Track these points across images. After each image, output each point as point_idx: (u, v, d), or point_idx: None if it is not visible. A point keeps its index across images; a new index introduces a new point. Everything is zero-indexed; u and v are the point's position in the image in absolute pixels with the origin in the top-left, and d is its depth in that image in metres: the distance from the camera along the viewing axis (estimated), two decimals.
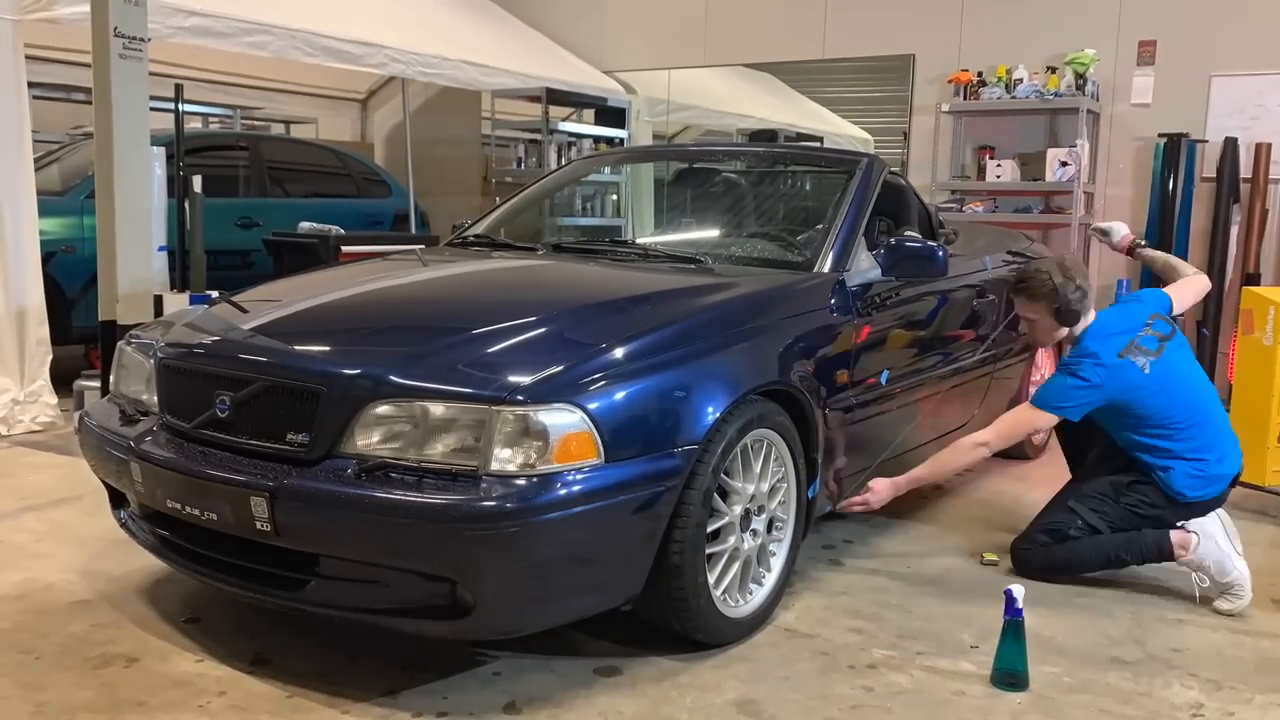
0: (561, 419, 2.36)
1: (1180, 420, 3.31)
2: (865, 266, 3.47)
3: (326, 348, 2.74)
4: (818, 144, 8.13)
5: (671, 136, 8.96)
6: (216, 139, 7.50)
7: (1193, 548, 3.22)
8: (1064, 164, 6.62)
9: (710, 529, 2.68)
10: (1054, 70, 6.79)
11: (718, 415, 2.62)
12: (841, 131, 8.41)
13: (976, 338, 4.19)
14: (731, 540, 2.78)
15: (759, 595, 2.92)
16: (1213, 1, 6.45)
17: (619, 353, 2.58)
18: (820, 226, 3.62)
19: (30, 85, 5.05)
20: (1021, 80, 6.84)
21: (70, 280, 5.70)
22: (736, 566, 2.81)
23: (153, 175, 4.86)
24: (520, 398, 2.36)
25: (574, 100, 8.19)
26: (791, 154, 4.96)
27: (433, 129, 8.99)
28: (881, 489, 3.37)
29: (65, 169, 6.22)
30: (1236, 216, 6.47)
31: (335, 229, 6.14)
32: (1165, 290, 3.62)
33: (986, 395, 4.31)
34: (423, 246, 5.26)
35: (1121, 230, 3.94)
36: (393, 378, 2.44)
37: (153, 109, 4.72)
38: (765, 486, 2.89)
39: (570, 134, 8.11)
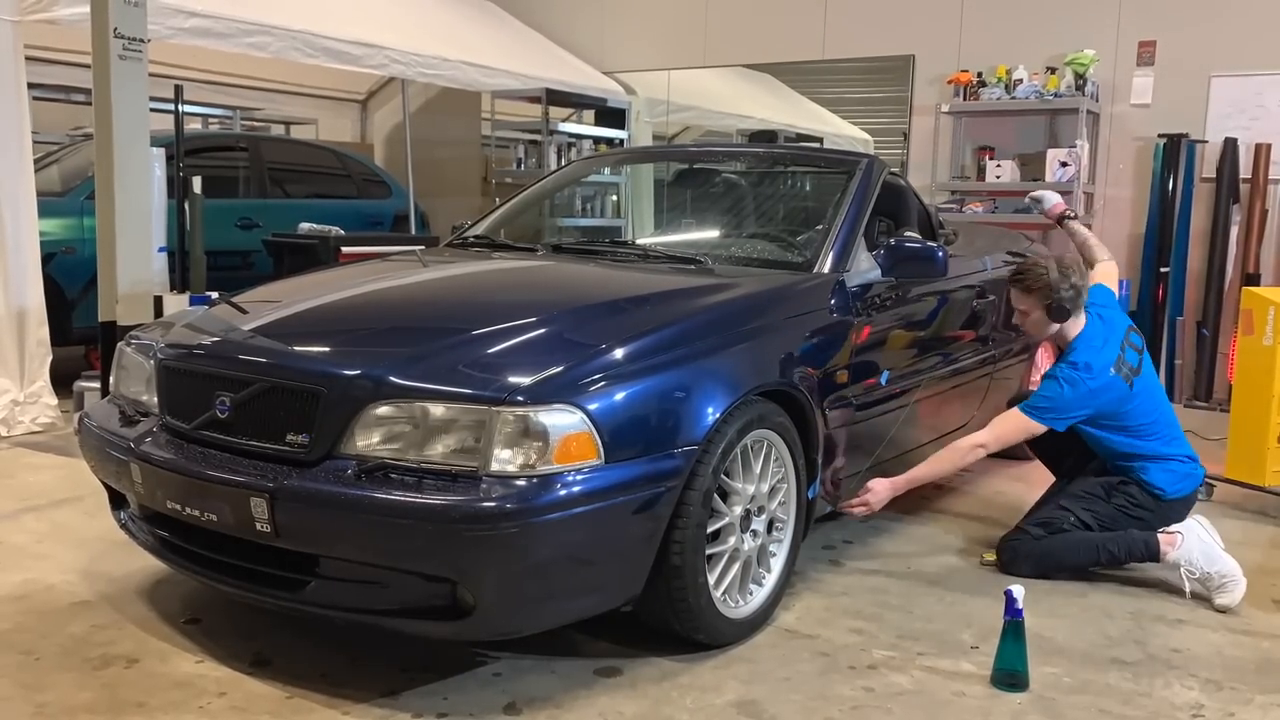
0: (561, 420, 2.36)
1: (1154, 424, 3.46)
2: (865, 267, 3.47)
3: (326, 348, 2.74)
4: (817, 145, 8.13)
5: (671, 137, 8.96)
6: (216, 140, 7.50)
7: (1178, 545, 3.28)
8: (1064, 164, 6.62)
9: (710, 529, 2.68)
10: (1054, 71, 6.80)
11: (718, 416, 2.62)
12: (841, 132, 8.41)
13: (976, 338, 4.19)
14: (731, 541, 2.78)
15: (759, 596, 2.92)
16: (1212, 1, 6.45)
17: (619, 353, 2.58)
18: (820, 227, 3.62)
19: (30, 86, 5.05)
20: (1021, 81, 6.84)
21: (70, 281, 5.70)
22: (737, 567, 2.81)
23: (153, 176, 4.86)
24: (520, 398, 2.36)
25: (574, 101, 8.19)
26: (791, 155, 4.96)
27: (433, 130, 9.00)
28: (880, 490, 3.38)
29: (65, 170, 6.22)
30: (1236, 217, 6.47)
31: (335, 230, 6.14)
32: (1099, 281, 3.73)
33: (986, 395, 4.31)
34: (423, 247, 5.26)
35: (1053, 199, 4.13)
36: (393, 378, 2.44)
37: (153, 110, 4.72)
38: (765, 487, 2.89)
39: (570, 135, 8.11)
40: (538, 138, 7.90)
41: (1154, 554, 3.31)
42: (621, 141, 8.37)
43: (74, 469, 4.22)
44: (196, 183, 5.31)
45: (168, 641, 2.78)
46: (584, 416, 2.39)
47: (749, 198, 4.35)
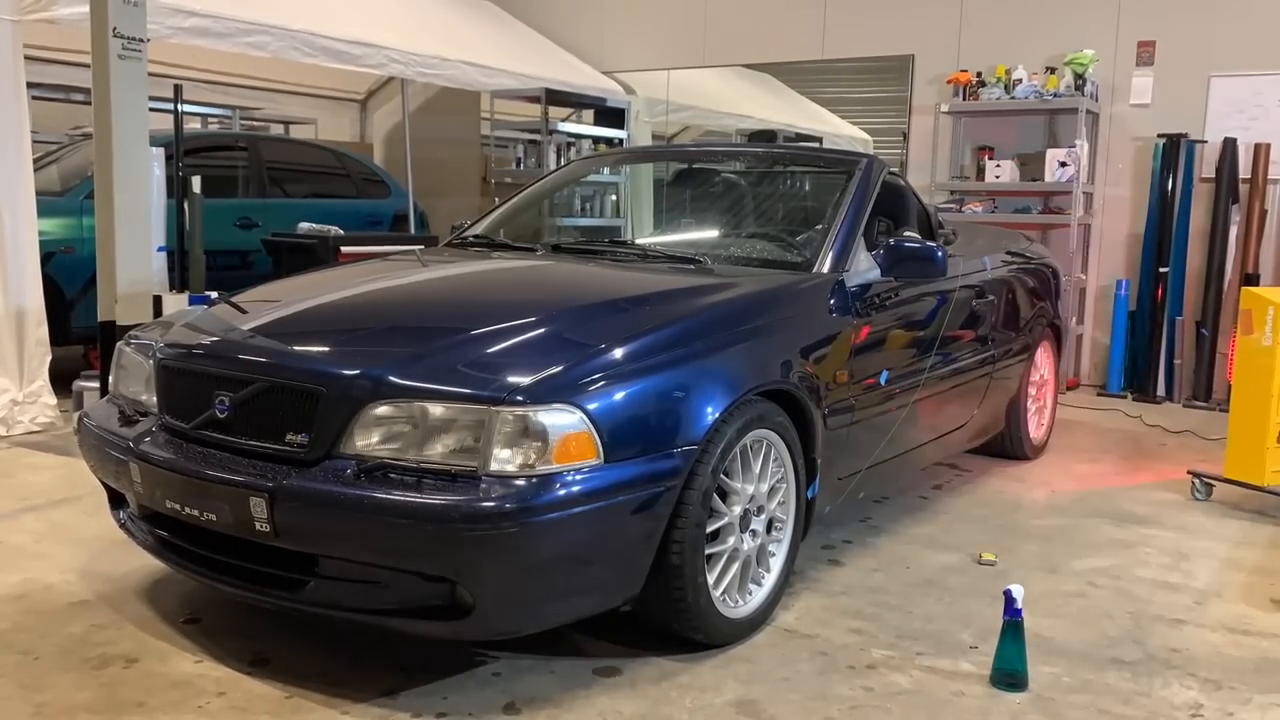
0: (561, 419, 2.36)
1: None
2: (864, 267, 3.47)
3: (326, 348, 2.74)
4: (817, 144, 8.14)
5: (671, 137, 8.96)
6: (216, 139, 7.50)
7: None
8: (1063, 164, 6.62)
9: (710, 529, 2.68)
10: (1053, 71, 6.80)
11: (717, 416, 2.62)
12: (841, 132, 8.41)
13: (976, 338, 4.19)
14: (731, 540, 2.78)
15: (758, 595, 2.92)
16: (1212, 1, 6.45)
17: (618, 353, 2.58)
18: (819, 227, 3.62)
19: (30, 86, 5.05)
20: (1021, 80, 6.84)
21: (69, 281, 5.70)
22: (736, 567, 2.81)
23: (152, 175, 4.86)
24: (519, 398, 2.36)
25: (573, 101, 8.20)
26: (791, 154, 4.96)
27: (432, 129, 9.00)
28: None
29: (64, 169, 6.22)
30: (1235, 216, 6.47)
31: (334, 229, 6.14)
32: None
33: (986, 395, 4.31)
34: (422, 247, 5.26)
35: None
36: (392, 378, 2.44)
37: (152, 109, 4.72)
38: (764, 487, 2.89)
39: (569, 134, 8.11)
40: (537, 137, 7.90)
41: None
42: (621, 141, 8.37)
43: (73, 469, 4.22)
44: (196, 182, 5.31)
45: (167, 641, 2.78)
46: (583, 416, 2.39)
47: (748, 198, 4.35)
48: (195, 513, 2.54)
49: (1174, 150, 6.49)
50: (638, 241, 4.06)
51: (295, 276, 3.77)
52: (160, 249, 5.10)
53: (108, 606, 2.99)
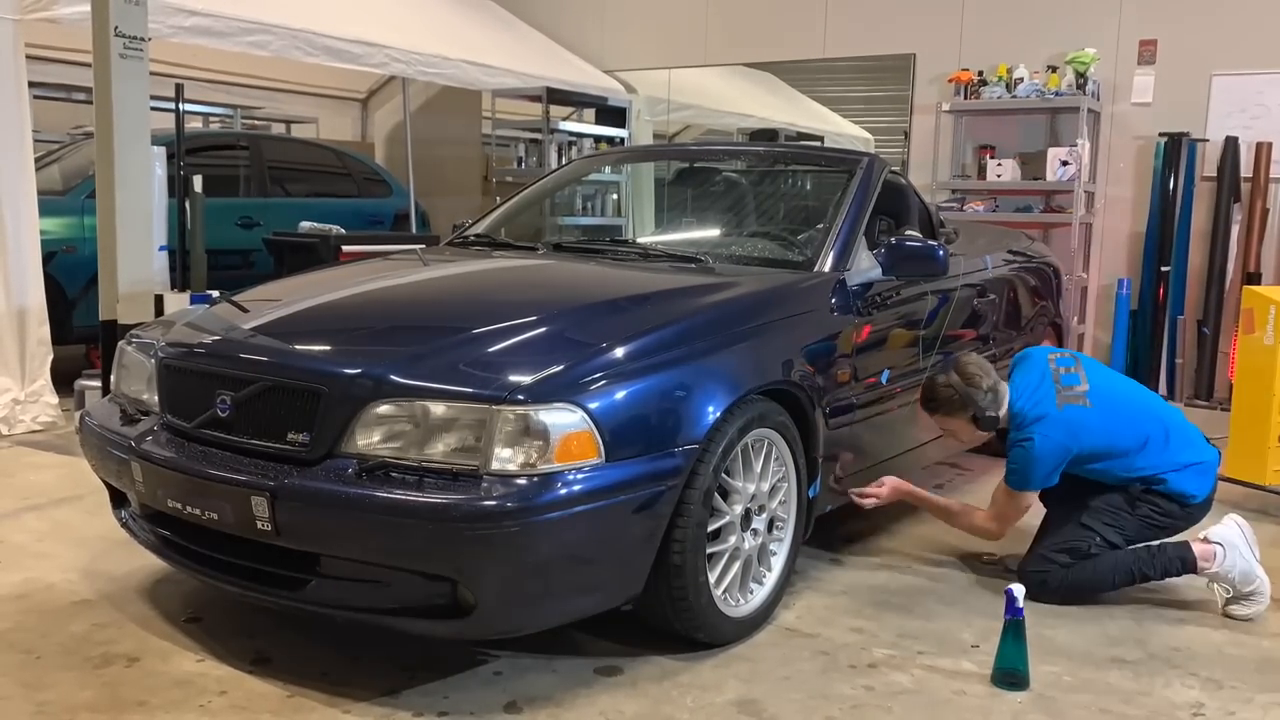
0: (562, 418, 2.36)
1: (1149, 431, 3.23)
2: (866, 266, 3.47)
3: (327, 347, 2.74)
4: (818, 143, 8.13)
5: (672, 136, 8.96)
6: (217, 139, 7.51)
7: (1217, 561, 3.12)
8: (1064, 163, 6.61)
9: (711, 528, 2.68)
10: (1054, 69, 6.79)
11: (718, 415, 2.62)
12: (842, 131, 8.41)
13: (977, 337, 4.19)
14: (732, 540, 2.78)
15: (759, 595, 2.92)
16: (1213, 1, 6.44)
17: (619, 352, 2.58)
18: (821, 226, 3.62)
19: (31, 85, 5.05)
20: (1022, 79, 6.83)
21: (71, 280, 5.70)
22: (737, 566, 2.81)
23: (153, 175, 4.86)
24: (521, 397, 2.36)
25: (574, 100, 8.19)
26: (792, 154, 4.96)
27: (433, 129, 8.99)
28: (893, 487, 3.38)
29: (66, 169, 6.22)
30: (1237, 216, 6.47)
31: (336, 229, 6.14)
32: None
33: None
34: (423, 246, 5.26)
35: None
36: (393, 377, 2.44)
37: (153, 109, 4.72)
38: (766, 486, 2.89)
39: (570, 133, 8.11)
40: (538, 136, 7.90)
41: (1190, 569, 3.16)
42: (622, 140, 8.37)
43: (75, 468, 4.22)
44: (197, 181, 5.30)
45: (168, 640, 2.78)
46: (584, 415, 2.39)
47: (750, 197, 4.35)
48: (197, 512, 2.55)
49: (1175, 149, 6.48)
50: (639, 241, 4.07)
51: (297, 276, 3.77)
52: (162, 248, 5.10)
53: (109, 605, 3.00)
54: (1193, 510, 3.27)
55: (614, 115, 8.46)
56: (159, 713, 2.42)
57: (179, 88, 5.41)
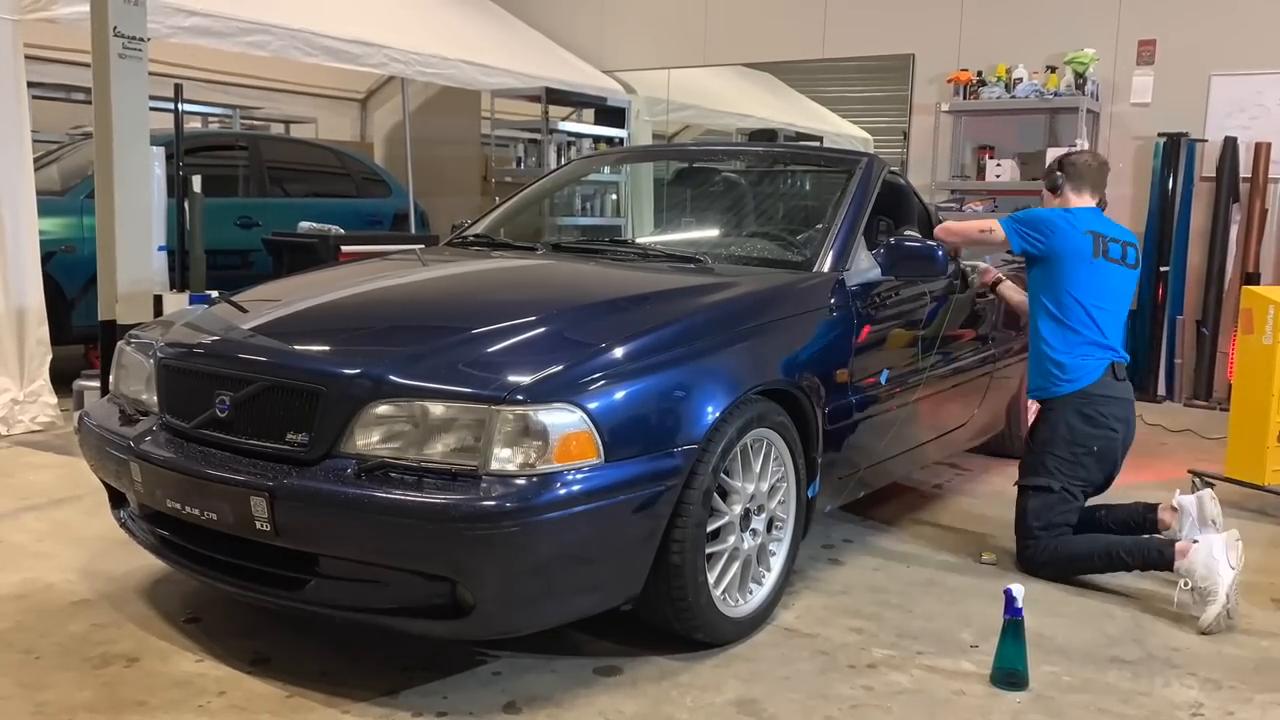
0: (561, 419, 2.36)
1: (1082, 315, 3.47)
2: (865, 266, 3.47)
3: (326, 348, 2.74)
4: (817, 144, 8.13)
5: (671, 136, 8.96)
6: (216, 139, 7.50)
7: (1189, 554, 3.14)
8: None
9: (710, 528, 2.68)
10: (1054, 70, 6.80)
11: (717, 415, 2.62)
12: (841, 131, 8.41)
13: (976, 337, 4.19)
14: (731, 540, 2.78)
15: (759, 595, 2.92)
16: (1212, 1, 6.45)
17: (619, 352, 2.58)
18: (820, 226, 3.62)
19: (30, 85, 5.05)
20: (1021, 80, 6.84)
21: (70, 280, 5.70)
22: (736, 566, 2.81)
23: (152, 175, 4.86)
24: (520, 397, 2.36)
25: (574, 100, 8.19)
26: (791, 154, 4.96)
27: (432, 129, 8.99)
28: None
29: (65, 169, 6.22)
30: (1236, 216, 6.47)
31: (335, 229, 6.14)
32: None
33: (986, 395, 4.31)
34: (422, 246, 5.26)
35: (983, 267, 4.17)
36: (392, 377, 2.44)
37: (152, 109, 4.72)
38: (765, 486, 2.89)
39: (570, 134, 8.11)
40: (537, 137, 7.90)
41: (1167, 564, 3.20)
42: (621, 140, 8.37)
43: (74, 468, 4.22)
44: (196, 181, 5.30)
45: (168, 640, 2.78)
46: (584, 415, 2.39)
47: (749, 197, 4.35)
48: (196, 512, 2.54)
49: (1174, 149, 6.49)
50: (638, 241, 4.07)
51: (296, 276, 3.77)
52: (161, 248, 5.10)
53: (109, 606, 3.00)
54: (1084, 400, 3.44)
55: (613, 115, 8.46)
56: (158, 713, 2.42)
57: (178, 88, 5.41)
